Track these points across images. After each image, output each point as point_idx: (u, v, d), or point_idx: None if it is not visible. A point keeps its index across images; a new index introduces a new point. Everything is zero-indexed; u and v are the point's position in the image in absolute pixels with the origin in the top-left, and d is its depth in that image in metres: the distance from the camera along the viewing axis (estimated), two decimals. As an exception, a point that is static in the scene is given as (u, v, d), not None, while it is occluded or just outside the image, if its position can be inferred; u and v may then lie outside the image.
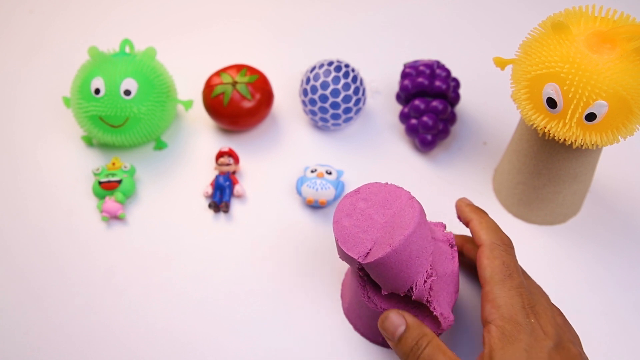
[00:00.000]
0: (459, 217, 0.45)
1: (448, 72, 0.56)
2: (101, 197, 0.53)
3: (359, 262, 0.38)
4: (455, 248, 0.43)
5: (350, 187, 0.55)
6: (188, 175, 0.56)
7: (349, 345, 0.46)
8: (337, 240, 0.39)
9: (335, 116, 0.55)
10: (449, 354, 0.36)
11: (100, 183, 0.53)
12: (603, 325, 0.46)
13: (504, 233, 0.42)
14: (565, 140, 0.42)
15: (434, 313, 0.39)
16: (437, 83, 0.54)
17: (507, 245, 0.41)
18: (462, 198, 0.46)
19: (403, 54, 0.64)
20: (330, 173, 0.53)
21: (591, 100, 0.39)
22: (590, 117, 0.40)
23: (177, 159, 0.57)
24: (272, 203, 0.54)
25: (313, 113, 0.56)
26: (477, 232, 0.41)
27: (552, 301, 0.42)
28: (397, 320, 0.38)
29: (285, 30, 0.68)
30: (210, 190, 0.54)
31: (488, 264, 0.39)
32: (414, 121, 0.55)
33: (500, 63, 0.44)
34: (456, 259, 0.42)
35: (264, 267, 0.50)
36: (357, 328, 0.46)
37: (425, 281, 0.39)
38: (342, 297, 0.48)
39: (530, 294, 0.39)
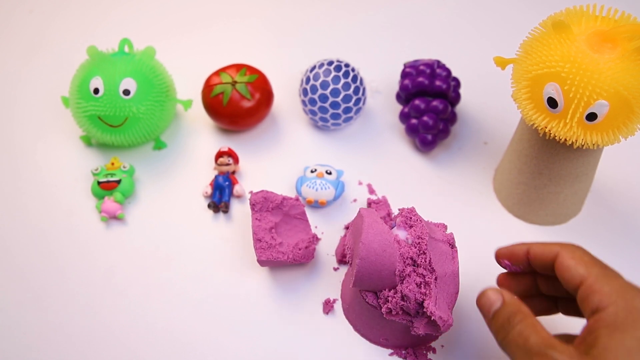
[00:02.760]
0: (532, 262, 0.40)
1: (448, 71, 0.56)
2: (100, 197, 0.53)
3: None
4: (456, 248, 0.43)
5: (350, 187, 0.55)
6: (187, 175, 0.56)
7: (349, 345, 0.46)
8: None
9: (335, 116, 0.55)
10: (542, 333, 0.35)
11: (99, 183, 0.53)
12: (604, 325, 0.46)
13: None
14: (566, 140, 0.41)
15: (427, 312, 0.39)
16: (438, 83, 0.54)
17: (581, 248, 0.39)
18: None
19: (403, 53, 0.64)
20: (330, 173, 0.53)
21: (592, 99, 0.39)
22: (591, 116, 0.40)
23: (176, 158, 0.57)
24: (272, 203, 0.54)
25: (313, 113, 0.56)
26: (549, 247, 0.39)
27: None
28: (493, 296, 0.37)
29: (285, 30, 0.68)
30: (209, 190, 0.54)
31: (575, 263, 0.36)
32: (414, 121, 0.55)
33: (501, 62, 0.44)
34: (456, 259, 0.42)
35: (264, 267, 0.50)
36: (357, 328, 0.46)
37: (402, 279, 0.40)
38: (342, 297, 0.48)
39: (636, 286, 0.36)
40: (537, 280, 0.41)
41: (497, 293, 0.37)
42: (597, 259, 0.36)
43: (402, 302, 0.40)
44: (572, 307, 0.40)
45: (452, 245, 0.43)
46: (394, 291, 0.40)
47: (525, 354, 0.34)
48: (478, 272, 0.49)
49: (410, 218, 0.42)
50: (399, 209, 0.43)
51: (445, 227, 0.44)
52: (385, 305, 0.41)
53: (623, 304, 0.33)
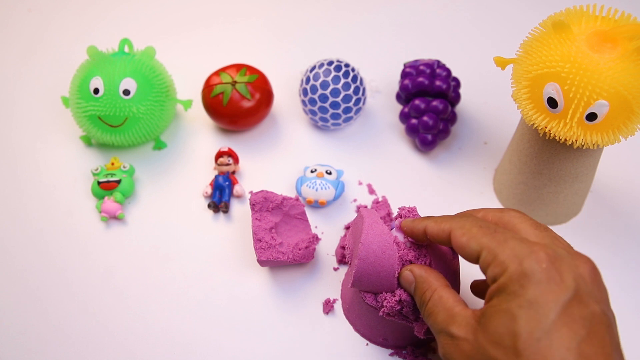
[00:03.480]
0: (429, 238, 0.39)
1: (448, 71, 0.56)
2: (100, 197, 0.53)
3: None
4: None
5: (350, 187, 0.55)
6: (187, 175, 0.56)
7: (349, 345, 0.46)
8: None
9: (335, 116, 0.55)
10: (447, 304, 0.34)
11: (99, 183, 0.53)
12: (604, 325, 0.46)
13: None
14: (566, 140, 0.41)
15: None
16: (438, 83, 0.54)
17: (470, 214, 0.37)
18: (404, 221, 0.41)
19: (403, 53, 0.64)
20: (330, 173, 0.53)
21: (592, 99, 0.39)
22: (591, 116, 0.40)
23: (176, 158, 0.57)
24: (272, 203, 0.54)
25: (313, 113, 0.56)
26: (441, 225, 0.37)
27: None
28: (407, 276, 0.38)
29: (285, 30, 0.68)
30: (209, 190, 0.54)
31: (467, 239, 0.34)
32: (414, 121, 0.55)
33: (501, 63, 0.44)
34: (457, 259, 0.42)
35: (264, 267, 0.50)
36: (357, 328, 0.46)
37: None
38: (342, 297, 0.48)
39: (546, 238, 0.34)
40: None
41: (408, 271, 0.38)
42: (485, 224, 0.35)
43: (398, 307, 0.40)
44: None
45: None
46: (391, 294, 0.40)
47: (436, 332, 0.35)
48: (478, 272, 0.49)
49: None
50: (399, 208, 0.43)
51: None
52: (382, 310, 0.41)
53: (513, 268, 0.31)
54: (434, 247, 0.41)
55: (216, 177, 0.54)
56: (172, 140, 0.59)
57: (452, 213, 0.52)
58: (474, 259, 0.34)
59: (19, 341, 0.47)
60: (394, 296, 0.40)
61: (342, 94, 0.54)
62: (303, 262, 0.49)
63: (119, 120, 0.53)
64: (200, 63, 0.62)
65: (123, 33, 0.60)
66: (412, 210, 0.43)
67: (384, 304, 0.40)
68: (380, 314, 0.41)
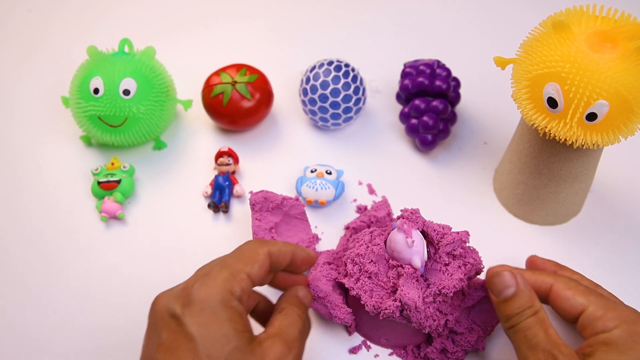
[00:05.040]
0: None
1: (448, 71, 0.56)
2: (100, 197, 0.53)
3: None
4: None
5: (350, 187, 0.55)
6: (187, 175, 0.56)
7: (349, 344, 0.46)
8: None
9: (335, 116, 0.55)
10: (550, 331, 0.35)
11: (99, 183, 0.53)
12: (604, 325, 0.46)
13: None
14: (566, 140, 0.41)
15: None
16: (438, 83, 0.54)
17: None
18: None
19: (403, 53, 0.64)
20: (330, 173, 0.53)
21: (592, 99, 0.39)
22: (591, 116, 0.40)
23: (176, 158, 0.57)
24: (272, 203, 0.54)
25: (313, 113, 0.56)
26: (541, 277, 0.38)
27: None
28: (509, 280, 0.37)
29: (285, 30, 0.68)
30: (209, 190, 0.54)
31: (573, 293, 0.36)
32: (414, 121, 0.55)
33: (501, 63, 0.44)
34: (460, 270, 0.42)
35: (264, 268, 0.50)
36: (357, 328, 0.46)
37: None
38: (342, 297, 0.48)
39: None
40: None
41: (512, 278, 0.37)
42: (591, 287, 0.37)
43: (398, 312, 0.41)
44: None
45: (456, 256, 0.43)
46: (392, 300, 0.41)
47: (530, 348, 0.35)
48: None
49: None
50: (402, 210, 0.43)
51: (449, 228, 0.43)
52: (382, 313, 0.41)
53: (626, 327, 0.34)
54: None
55: (216, 177, 0.54)
56: (172, 140, 0.59)
57: (452, 213, 0.52)
58: (575, 312, 0.36)
59: (19, 341, 0.47)
60: (395, 301, 0.40)
61: (342, 94, 0.54)
62: None
63: (119, 120, 0.53)
64: (200, 63, 0.62)
65: (123, 33, 0.60)
66: (415, 212, 0.43)
67: (384, 312, 0.41)
68: (381, 317, 0.41)
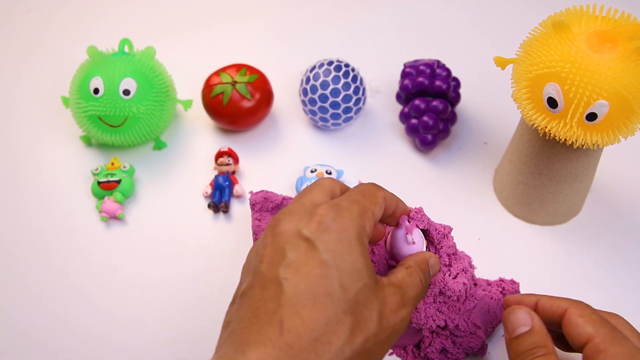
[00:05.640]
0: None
1: (448, 71, 0.56)
2: (100, 197, 0.53)
3: None
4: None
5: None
6: (187, 175, 0.56)
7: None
8: None
9: (335, 116, 0.55)
10: None
11: (99, 183, 0.53)
12: (604, 325, 0.46)
13: None
14: (566, 140, 0.41)
15: None
16: (438, 83, 0.54)
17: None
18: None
19: (403, 53, 0.64)
20: (330, 173, 0.53)
21: (592, 99, 0.39)
22: (591, 116, 0.40)
23: (176, 158, 0.57)
24: (272, 203, 0.54)
25: (313, 113, 0.56)
26: (558, 302, 0.38)
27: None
28: (524, 319, 0.37)
29: (285, 30, 0.68)
30: (209, 190, 0.54)
31: (584, 321, 0.36)
32: (414, 121, 0.55)
33: (501, 63, 0.44)
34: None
35: (264, 268, 0.50)
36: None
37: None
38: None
39: None
40: None
41: (528, 317, 0.37)
42: (606, 319, 0.36)
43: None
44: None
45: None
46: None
47: None
48: (478, 272, 0.49)
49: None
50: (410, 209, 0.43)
51: (450, 229, 0.43)
52: None
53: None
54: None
55: (216, 177, 0.54)
56: (172, 140, 0.59)
57: (452, 213, 0.52)
58: (582, 341, 0.35)
59: (19, 341, 0.47)
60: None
61: (342, 94, 0.54)
62: None
63: (119, 120, 0.53)
64: (200, 63, 0.62)
65: (123, 33, 0.60)
66: (419, 212, 0.43)
67: None
68: None
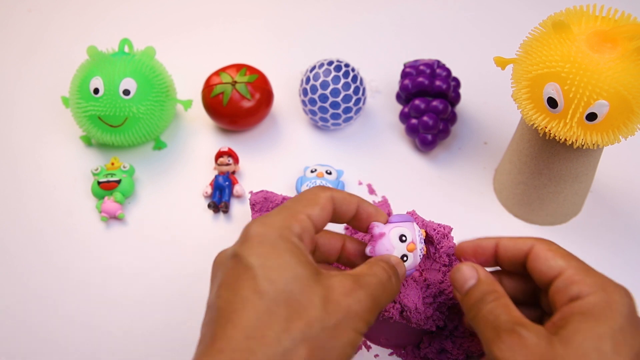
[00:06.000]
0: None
1: (448, 71, 0.56)
2: (100, 197, 0.53)
3: None
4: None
5: (350, 187, 0.55)
6: (187, 175, 0.56)
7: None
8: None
9: (335, 116, 0.55)
10: (514, 312, 0.33)
11: (99, 183, 0.53)
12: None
13: None
14: (566, 140, 0.41)
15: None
16: (438, 83, 0.54)
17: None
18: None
19: (403, 53, 0.64)
20: (330, 173, 0.53)
21: (592, 99, 0.39)
22: (591, 116, 0.40)
23: (176, 158, 0.57)
24: (272, 203, 0.54)
25: (313, 113, 0.56)
26: (522, 240, 0.37)
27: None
28: (468, 273, 0.36)
29: (285, 30, 0.68)
30: (209, 190, 0.54)
31: (553, 254, 0.34)
32: (414, 121, 0.55)
33: (501, 63, 0.44)
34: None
35: (264, 268, 0.50)
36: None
37: None
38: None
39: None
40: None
41: (472, 270, 0.36)
42: (573, 254, 0.35)
43: (399, 315, 0.40)
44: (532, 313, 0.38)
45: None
46: (392, 303, 0.41)
47: (494, 330, 0.33)
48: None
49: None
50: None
51: (451, 229, 0.43)
52: (382, 314, 0.41)
53: (603, 295, 0.32)
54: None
55: (216, 177, 0.54)
56: (172, 140, 0.59)
57: (452, 213, 0.52)
58: (552, 274, 0.34)
59: (19, 341, 0.47)
60: (395, 303, 0.40)
61: (342, 94, 0.54)
62: None
63: (119, 120, 0.53)
64: (200, 63, 0.62)
65: (123, 33, 0.60)
66: (412, 214, 0.42)
67: (384, 314, 0.41)
68: (380, 318, 0.41)
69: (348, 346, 0.30)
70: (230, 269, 0.31)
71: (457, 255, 0.39)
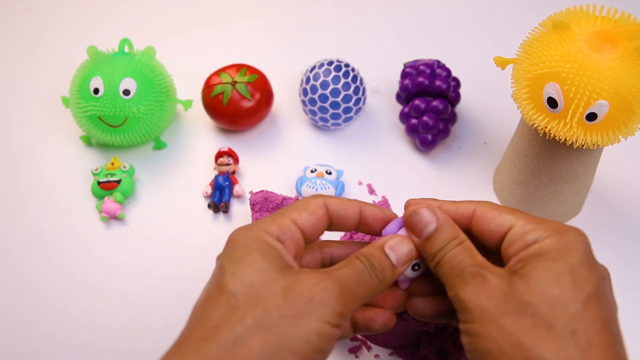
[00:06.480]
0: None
1: (448, 71, 0.56)
2: (100, 197, 0.53)
3: None
4: None
5: (350, 187, 0.55)
6: (187, 175, 0.56)
7: (348, 344, 0.46)
8: None
9: (335, 116, 0.55)
10: (477, 257, 0.33)
11: (99, 183, 0.53)
12: (604, 325, 0.46)
13: None
14: (566, 140, 0.41)
15: None
16: (438, 83, 0.54)
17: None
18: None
19: (403, 53, 0.64)
20: (330, 173, 0.53)
21: (592, 99, 0.39)
22: (591, 116, 0.40)
23: (176, 158, 0.57)
24: (272, 203, 0.54)
25: (313, 113, 0.56)
26: (463, 204, 0.36)
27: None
28: (427, 217, 0.34)
29: (285, 30, 0.68)
30: (209, 190, 0.54)
31: (499, 212, 0.34)
32: (414, 121, 0.55)
33: (501, 63, 0.44)
34: None
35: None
36: (357, 328, 0.46)
37: None
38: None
39: None
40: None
41: (431, 213, 0.34)
42: (518, 209, 0.35)
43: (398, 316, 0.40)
44: None
45: None
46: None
47: (457, 275, 0.32)
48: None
49: None
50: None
51: None
52: None
53: (558, 236, 0.32)
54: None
55: (216, 177, 0.54)
56: (172, 140, 0.59)
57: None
58: (502, 231, 0.33)
59: (19, 342, 0.47)
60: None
61: (342, 94, 0.54)
62: None
63: (119, 120, 0.53)
64: (200, 63, 0.62)
65: (123, 33, 0.60)
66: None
67: None
68: None
69: (312, 334, 0.29)
70: (211, 275, 0.33)
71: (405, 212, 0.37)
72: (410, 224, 0.35)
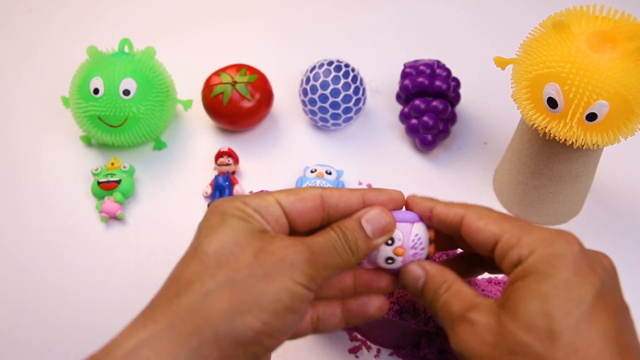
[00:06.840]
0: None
1: (448, 71, 0.56)
2: (100, 197, 0.53)
3: None
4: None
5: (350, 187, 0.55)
6: (187, 176, 0.56)
7: (348, 344, 0.46)
8: None
9: (335, 116, 0.55)
10: (466, 297, 0.32)
11: (99, 183, 0.53)
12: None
13: None
14: (566, 140, 0.41)
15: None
16: (438, 83, 0.54)
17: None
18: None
19: (403, 53, 0.64)
20: (330, 173, 0.53)
21: (592, 100, 0.39)
22: (591, 117, 0.40)
23: (176, 159, 0.57)
24: (272, 203, 0.54)
25: (313, 113, 0.56)
26: (454, 209, 0.35)
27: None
28: (416, 271, 0.35)
29: (285, 30, 0.68)
30: (209, 190, 0.54)
31: (485, 223, 0.32)
32: (414, 121, 0.55)
33: (501, 63, 0.44)
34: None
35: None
36: (357, 328, 0.46)
37: None
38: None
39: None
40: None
41: (418, 267, 0.35)
42: (508, 214, 0.33)
43: (397, 316, 0.40)
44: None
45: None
46: (392, 304, 0.40)
47: (449, 323, 0.32)
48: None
49: None
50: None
51: None
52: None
53: (542, 251, 0.30)
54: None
55: (216, 177, 0.54)
56: (172, 140, 0.59)
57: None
58: (489, 244, 0.32)
59: (19, 342, 0.47)
60: (394, 304, 0.40)
61: (342, 94, 0.54)
62: None
63: (119, 120, 0.53)
64: (200, 63, 0.62)
65: (123, 33, 0.60)
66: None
67: (384, 315, 0.40)
68: (380, 319, 0.41)
69: (283, 292, 0.30)
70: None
71: (407, 207, 0.37)
72: (405, 284, 0.35)
